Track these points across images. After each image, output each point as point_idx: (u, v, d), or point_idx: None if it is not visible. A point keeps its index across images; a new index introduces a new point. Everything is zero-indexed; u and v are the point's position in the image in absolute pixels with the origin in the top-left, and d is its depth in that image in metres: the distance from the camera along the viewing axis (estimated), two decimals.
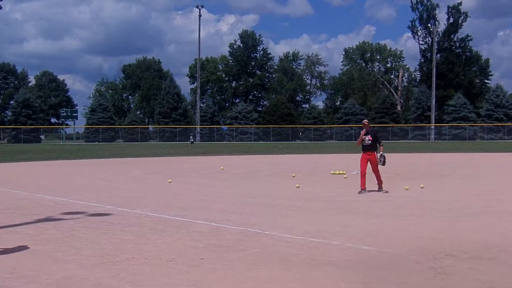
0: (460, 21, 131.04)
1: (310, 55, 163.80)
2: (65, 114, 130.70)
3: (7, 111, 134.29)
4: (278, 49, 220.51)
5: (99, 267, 8.94)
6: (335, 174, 27.53)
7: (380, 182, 19.77)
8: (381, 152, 19.56)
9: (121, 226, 12.91)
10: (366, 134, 19.45)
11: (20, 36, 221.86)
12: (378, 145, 19.64)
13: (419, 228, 12.38)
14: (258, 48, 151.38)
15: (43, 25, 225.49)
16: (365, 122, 19.93)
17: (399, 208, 15.80)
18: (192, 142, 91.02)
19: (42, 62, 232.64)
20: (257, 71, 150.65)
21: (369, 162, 19.42)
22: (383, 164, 19.59)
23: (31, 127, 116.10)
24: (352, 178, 24.85)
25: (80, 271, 8.70)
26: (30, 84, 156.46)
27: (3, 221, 13.69)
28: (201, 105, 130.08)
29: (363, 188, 19.07)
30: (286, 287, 7.86)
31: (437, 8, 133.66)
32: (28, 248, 10.43)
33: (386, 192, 19.32)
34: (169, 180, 24.42)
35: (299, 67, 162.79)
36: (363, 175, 19.22)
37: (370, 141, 19.39)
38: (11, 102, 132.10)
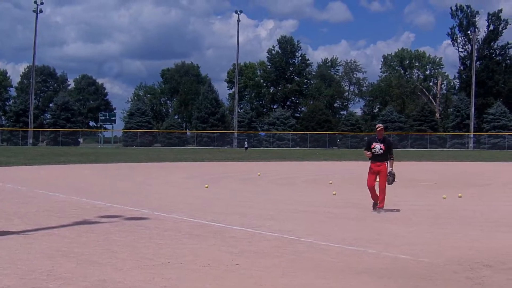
0: (500, 28, 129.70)
1: (348, 61, 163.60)
2: (103, 117, 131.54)
3: (46, 114, 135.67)
4: (316, 55, 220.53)
5: (134, 271, 8.95)
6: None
7: (382, 200, 16.47)
8: (390, 169, 16.58)
9: (157, 230, 12.92)
10: (378, 142, 16.60)
11: (60, 39, 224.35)
12: (388, 156, 16.63)
13: (456, 238, 12.23)
14: (297, 54, 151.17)
15: (83, 29, 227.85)
16: (381, 127, 17.01)
17: (437, 217, 15.63)
18: (246, 148, 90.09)
19: (81, 66, 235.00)
20: (295, 77, 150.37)
21: (377, 174, 16.56)
22: (390, 183, 16.73)
23: (69, 130, 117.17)
24: (389, 185, 24.65)
25: (115, 274, 8.71)
26: (69, 87, 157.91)
27: (41, 223, 13.78)
28: (239, 110, 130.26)
29: (376, 203, 16.58)
30: None
31: (477, 15, 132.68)
32: (65, 250, 10.48)
33: (381, 211, 16.29)
34: (206, 185, 24.45)
35: (337, 73, 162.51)
36: (371, 191, 16.52)
37: (382, 151, 16.45)
38: (51, 105, 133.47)
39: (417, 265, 9.59)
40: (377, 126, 17.13)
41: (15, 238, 11.08)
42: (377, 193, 16.48)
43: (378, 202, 16.46)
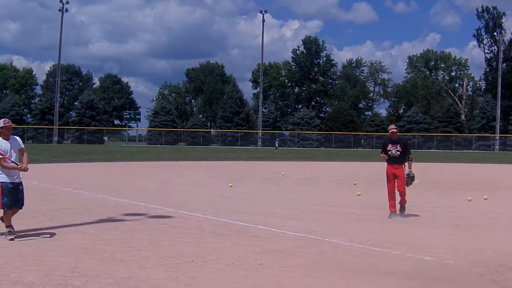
0: None
1: (373, 62, 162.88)
2: (128, 116, 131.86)
3: (71, 112, 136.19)
4: (341, 56, 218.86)
5: (158, 269, 8.97)
6: None
7: (403, 201, 15.86)
8: (408, 170, 15.79)
9: (181, 228, 12.96)
10: (393, 143, 15.74)
11: (85, 39, 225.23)
12: (406, 157, 15.80)
13: (481, 240, 12.14)
14: (321, 54, 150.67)
15: (107, 28, 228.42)
16: (394, 129, 16.06)
17: (461, 219, 15.53)
18: (277, 148, 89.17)
19: (106, 64, 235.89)
20: (320, 77, 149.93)
21: (396, 178, 15.78)
22: (408, 185, 15.91)
23: (94, 128, 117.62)
24: (414, 187, 24.54)
25: (139, 272, 8.74)
26: (94, 86, 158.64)
27: (65, 220, 13.87)
28: (263, 110, 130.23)
29: (392, 211, 15.77)
30: None
31: (503, 17, 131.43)
32: (89, 247, 10.53)
33: (404, 215, 15.70)
34: (230, 184, 24.46)
35: (362, 74, 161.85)
36: (391, 194, 15.83)
37: (398, 152, 15.61)
38: (76, 103, 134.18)
39: (441, 267, 9.53)
40: (390, 127, 16.30)
41: (40, 235, 11.13)
42: (395, 199, 15.76)
43: (400, 204, 15.81)
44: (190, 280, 8.33)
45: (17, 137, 11.99)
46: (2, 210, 11.30)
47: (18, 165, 11.41)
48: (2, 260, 9.31)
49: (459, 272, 9.14)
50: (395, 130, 15.97)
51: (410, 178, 15.77)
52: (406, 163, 15.77)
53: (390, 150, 15.66)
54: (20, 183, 11.56)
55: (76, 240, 11.10)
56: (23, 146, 11.82)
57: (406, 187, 15.79)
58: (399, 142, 15.79)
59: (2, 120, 11.67)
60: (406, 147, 15.88)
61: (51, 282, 8.02)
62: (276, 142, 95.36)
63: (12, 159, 11.37)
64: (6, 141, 11.46)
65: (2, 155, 11.16)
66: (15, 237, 11.18)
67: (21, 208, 11.66)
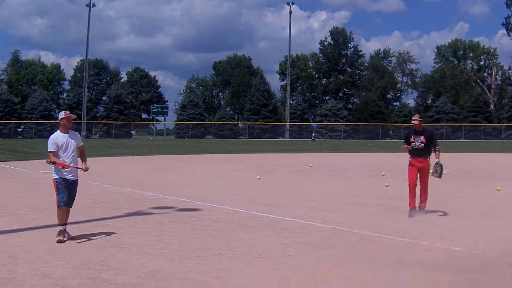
0: None
1: (401, 52, 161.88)
2: (156, 110, 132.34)
3: (99, 107, 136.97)
4: (369, 46, 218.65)
5: (186, 262, 9.00)
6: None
7: (424, 199, 14.60)
8: (437, 160, 14.53)
9: (209, 221, 12.99)
10: (417, 134, 14.59)
11: (113, 33, 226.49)
12: (433, 149, 14.58)
13: (510, 230, 12.04)
14: (349, 45, 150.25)
15: (135, 22, 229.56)
16: (417, 120, 14.77)
17: (491, 209, 15.42)
18: (313, 140, 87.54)
19: (133, 59, 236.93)
20: (348, 69, 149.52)
21: (419, 172, 14.50)
22: (439, 176, 14.69)
23: (122, 122, 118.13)
24: (443, 177, 24.39)
25: (167, 265, 8.77)
26: (122, 80, 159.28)
27: (94, 214, 13.96)
28: (291, 102, 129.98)
29: (412, 208, 14.39)
30: (374, 286, 7.72)
31: None
32: (117, 241, 10.59)
33: (424, 213, 14.27)
34: (258, 177, 24.47)
35: (390, 64, 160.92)
36: (412, 189, 14.45)
37: (422, 144, 14.42)
38: (103, 97, 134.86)
39: (470, 257, 9.47)
40: (413, 118, 14.97)
41: (70, 229, 11.20)
42: (417, 196, 14.39)
43: (419, 202, 14.46)
44: (219, 272, 8.34)
45: (77, 133, 11.48)
46: (58, 207, 10.78)
47: (71, 165, 10.78)
48: (32, 254, 9.40)
49: (488, 263, 9.08)
50: (417, 122, 14.64)
51: (440, 167, 14.50)
52: (434, 154, 14.49)
53: (413, 142, 14.51)
54: (76, 181, 11.07)
55: (105, 234, 11.15)
56: (82, 144, 11.28)
57: (436, 177, 14.58)
58: (424, 133, 14.57)
59: (63, 111, 11.14)
60: (432, 138, 14.61)
61: (80, 276, 8.08)
62: (313, 134, 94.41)
63: (69, 156, 10.79)
64: (64, 135, 10.88)
65: (62, 165, 10.66)
66: (67, 239, 10.65)
67: (71, 207, 11.05)
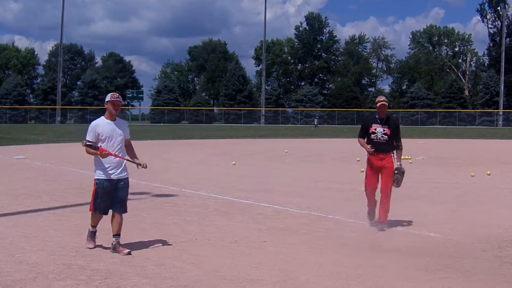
0: None
1: (376, 38, 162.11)
2: (131, 95, 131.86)
3: (74, 92, 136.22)
4: (344, 32, 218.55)
5: (162, 247, 9.01)
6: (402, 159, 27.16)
7: (385, 210, 10.95)
8: (399, 164, 11.10)
9: (185, 207, 12.99)
10: (380, 123, 11.15)
11: (88, 18, 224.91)
12: (396, 145, 11.19)
13: (485, 216, 12.18)
14: (324, 30, 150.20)
15: (110, 7, 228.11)
16: (384, 101, 11.22)
17: (465, 195, 15.56)
18: (315, 125, 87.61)
19: (108, 43, 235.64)
20: (323, 54, 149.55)
21: (380, 173, 11.07)
22: (398, 185, 11.12)
23: (97, 108, 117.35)
24: (418, 163, 24.56)
25: (143, 250, 8.77)
26: (96, 65, 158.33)
27: (69, 200, 13.90)
28: (266, 87, 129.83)
29: (372, 215, 11.28)
30: (349, 272, 7.76)
31: None
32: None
33: (383, 230, 10.63)
34: (234, 162, 24.47)
35: (365, 50, 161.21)
36: (370, 195, 11.23)
37: (386, 136, 11.00)
38: (78, 82, 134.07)
39: (446, 243, 9.56)
40: (377, 99, 11.45)
41: (44, 215, 11.15)
42: (377, 199, 11.27)
43: (379, 213, 11.07)
44: (194, 258, 8.35)
45: (125, 122, 9.78)
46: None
47: (119, 155, 9.29)
48: (7, 241, 9.34)
49: (463, 248, 9.17)
50: (386, 103, 11.27)
51: (401, 174, 11.08)
52: (395, 153, 11.20)
53: (374, 133, 11.08)
54: (122, 180, 9.42)
55: (80, 220, 11.09)
56: (129, 137, 9.64)
57: (394, 186, 11.11)
58: (388, 122, 11.17)
59: (110, 93, 9.41)
60: (397, 129, 11.29)
61: (55, 262, 8.04)
62: (316, 119, 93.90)
63: (114, 150, 9.22)
64: (110, 122, 9.23)
65: (107, 152, 9.14)
66: (95, 246, 9.05)
67: (120, 213, 9.14)
